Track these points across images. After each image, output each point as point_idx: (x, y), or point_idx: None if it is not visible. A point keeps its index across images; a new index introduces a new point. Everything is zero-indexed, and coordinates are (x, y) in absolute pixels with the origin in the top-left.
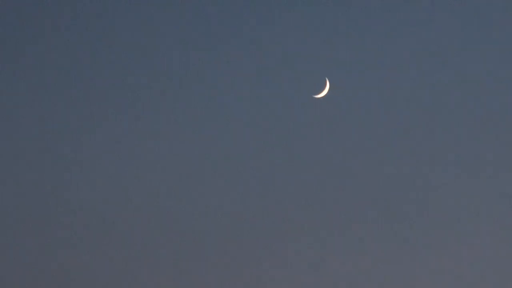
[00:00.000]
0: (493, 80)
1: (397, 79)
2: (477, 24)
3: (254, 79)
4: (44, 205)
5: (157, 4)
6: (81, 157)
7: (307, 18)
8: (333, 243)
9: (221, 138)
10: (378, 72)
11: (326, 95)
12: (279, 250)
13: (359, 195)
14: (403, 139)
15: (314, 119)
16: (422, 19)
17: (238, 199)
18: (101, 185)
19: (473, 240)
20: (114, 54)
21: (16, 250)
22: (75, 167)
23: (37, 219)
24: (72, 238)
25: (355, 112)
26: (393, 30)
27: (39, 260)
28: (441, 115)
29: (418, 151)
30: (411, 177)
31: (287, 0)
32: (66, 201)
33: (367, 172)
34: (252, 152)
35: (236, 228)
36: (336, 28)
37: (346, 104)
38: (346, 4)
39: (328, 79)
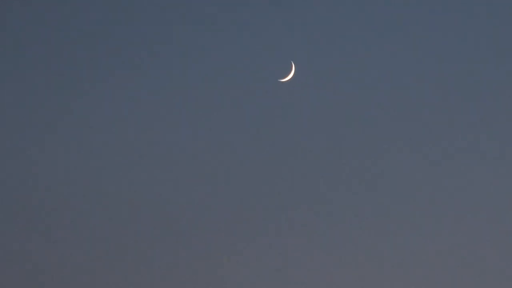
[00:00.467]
0: (492, 80)
1: (366, 61)
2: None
3: (221, 64)
4: (41, 202)
5: None
6: (81, 156)
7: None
8: (320, 238)
9: (186, 126)
10: (346, 55)
11: (291, 78)
12: (238, 249)
13: (326, 181)
14: (371, 121)
15: (280, 103)
16: None
17: (198, 190)
18: (100, 184)
19: (473, 240)
20: (113, 56)
21: (16, 249)
22: (75, 167)
23: (35, 217)
24: (71, 238)
25: (322, 96)
26: (360, 10)
27: (40, 260)
28: (404, 95)
29: (386, 134)
30: (383, 160)
31: None
32: (65, 200)
33: (336, 157)
34: (217, 140)
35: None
36: (303, 12)
37: (312, 88)
38: None
39: (294, 63)
